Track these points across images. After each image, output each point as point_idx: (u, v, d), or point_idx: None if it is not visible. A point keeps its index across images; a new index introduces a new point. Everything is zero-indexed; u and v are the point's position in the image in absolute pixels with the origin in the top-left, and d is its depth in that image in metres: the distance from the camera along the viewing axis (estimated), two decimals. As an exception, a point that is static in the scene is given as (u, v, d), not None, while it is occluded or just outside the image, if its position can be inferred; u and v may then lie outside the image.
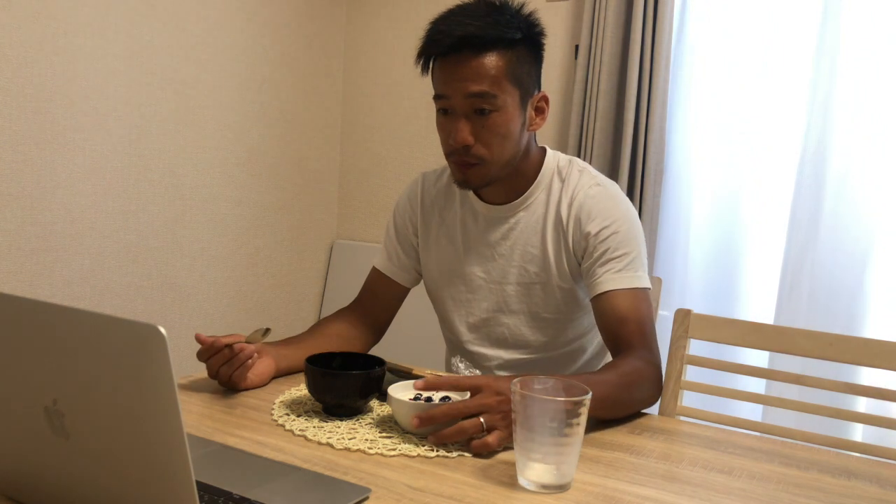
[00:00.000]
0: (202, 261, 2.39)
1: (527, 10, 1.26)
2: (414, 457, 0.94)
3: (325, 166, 2.83)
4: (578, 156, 2.01)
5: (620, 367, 1.19)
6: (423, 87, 2.69)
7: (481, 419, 0.94)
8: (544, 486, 0.86)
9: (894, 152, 1.94)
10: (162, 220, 2.25)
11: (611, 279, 1.24)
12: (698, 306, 1.62)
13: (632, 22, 2.16)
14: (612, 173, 2.22)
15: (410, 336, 2.54)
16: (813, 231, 2.02)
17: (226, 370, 1.14)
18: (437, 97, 1.25)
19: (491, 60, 1.20)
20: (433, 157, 2.69)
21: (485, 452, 0.95)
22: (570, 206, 1.30)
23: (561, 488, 0.86)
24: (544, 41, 1.29)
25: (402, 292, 1.47)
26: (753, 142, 2.13)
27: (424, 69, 1.27)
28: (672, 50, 2.17)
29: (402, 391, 1.02)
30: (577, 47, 2.32)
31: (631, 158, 2.19)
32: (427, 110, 2.69)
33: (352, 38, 2.84)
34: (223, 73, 2.38)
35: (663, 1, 2.12)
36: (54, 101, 1.94)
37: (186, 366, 2.42)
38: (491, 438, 0.94)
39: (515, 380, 0.89)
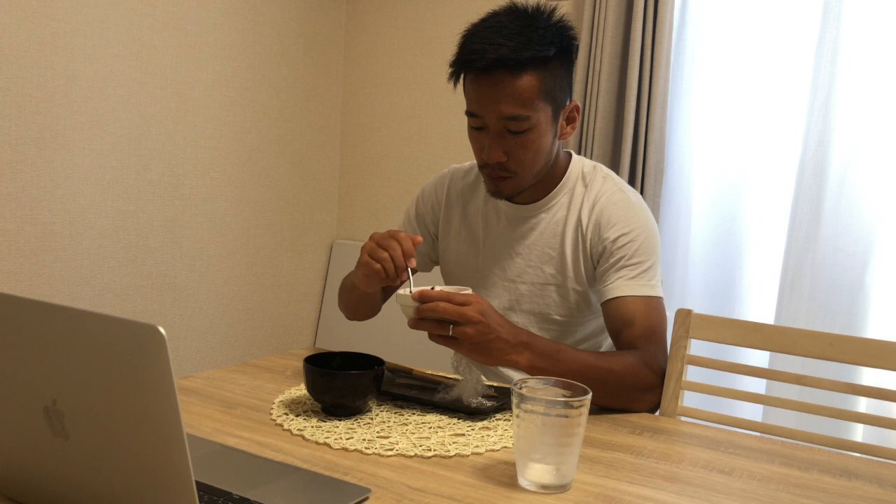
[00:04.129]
0: (202, 261, 2.39)
1: (558, 15, 1.24)
2: (411, 457, 0.94)
3: (325, 166, 2.83)
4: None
5: (608, 355, 1.20)
6: (422, 87, 2.69)
7: (451, 326, 1.05)
8: (544, 487, 0.86)
9: (894, 152, 1.94)
10: (162, 220, 2.25)
11: (623, 285, 1.25)
12: (698, 306, 1.62)
13: (632, 22, 2.16)
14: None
15: (411, 336, 2.54)
16: (813, 231, 2.02)
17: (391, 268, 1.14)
18: (469, 114, 1.25)
19: (524, 82, 1.19)
20: (433, 157, 2.69)
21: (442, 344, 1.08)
22: (591, 210, 1.31)
23: (561, 488, 0.86)
24: (577, 44, 1.28)
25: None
26: (754, 141, 2.13)
27: (455, 83, 1.26)
28: (672, 50, 2.17)
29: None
30: (577, 47, 2.32)
31: (631, 158, 2.19)
32: (427, 110, 2.69)
33: (352, 38, 2.84)
34: (223, 73, 2.38)
35: (663, 1, 2.12)
36: (54, 101, 1.94)
37: (186, 366, 2.42)
38: (452, 344, 1.07)
39: (517, 379, 0.89)
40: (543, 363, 1.12)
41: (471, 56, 1.20)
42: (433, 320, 1.07)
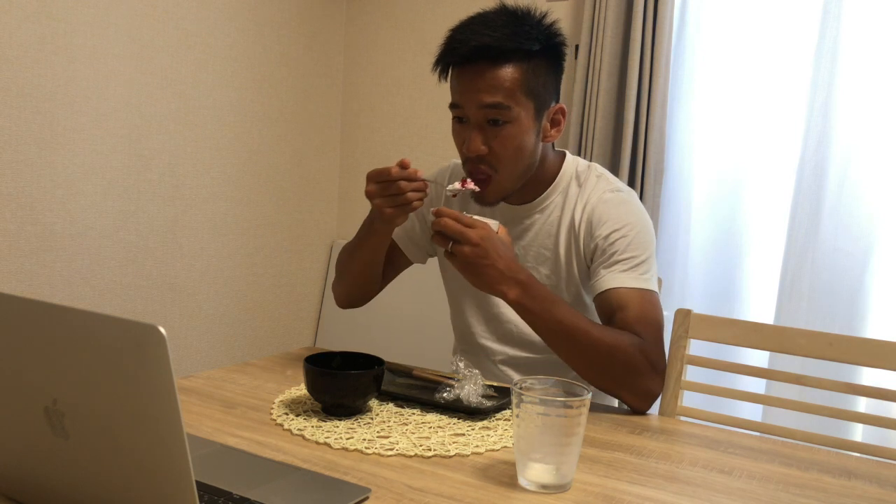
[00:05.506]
0: (202, 261, 2.39)
1: (549, 19, 1.26)
2: (411, 456, 0.94)
3: (325, 166, 2.83)
4: (578, 155, 2.01)
5: (605, 327, 1.20)
6: (422, 87, 2.69)
7: (450, 242, 1.12)
8: (544, 486, 0.86)
9: (894, 152, 1.94)
10: (162, 220, 2.25)
11: (614, 278, 1.24)
12: (698, 306, 1.62)
13: (632, 22, 2.16)
14: (612, 173, 2.22)
15: (411, 336, 2.54)
16: (813, 231, 2.02)
17: (412, 197, 1.19)
18: (452, 106, 1.26)
19: (506, 72, 1.20)
20: (433, 157, 2.69)
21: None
22: (584, 209, 1.31)
23: (561, 488, 0.86)
24: (566, 51, 1.29)
25: (403, 264, 1.48)
26: (753, 141, 2.13)
27: (441, 77, 1.27)
28: (672, 50, 2.17)
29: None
30: (577, 47, 2.32)
31: (631, 158, 2.19)
32: (427, 110, 2.69)
33: (352, 38, 2.84)
34: (223, 73, 2.38)
35: (663, 1, 2.12)
36: (54, 101, 1.94)
37: (186, 366, 2.42)
38: (451, 259, 1.14)
39: (517, 379, 0.89)
40: (533, 305, 1.15)
41: (455, 45, 1.22)
42: (440, 235, 1.13)
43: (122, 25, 2.07)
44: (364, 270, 1.40)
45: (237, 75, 2.43)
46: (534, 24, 1.23)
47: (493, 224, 1.16)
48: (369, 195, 1.20)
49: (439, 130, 2.67)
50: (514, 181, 1.28)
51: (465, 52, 1.21)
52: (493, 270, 1.13)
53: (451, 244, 1.13)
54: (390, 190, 1.18)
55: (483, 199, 1.29)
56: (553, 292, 1.20)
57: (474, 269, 1.13)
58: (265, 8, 2.50)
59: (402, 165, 1.18)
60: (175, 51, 2.22)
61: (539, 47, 1.22)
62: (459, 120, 1.26)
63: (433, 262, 1.53)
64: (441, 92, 2.67)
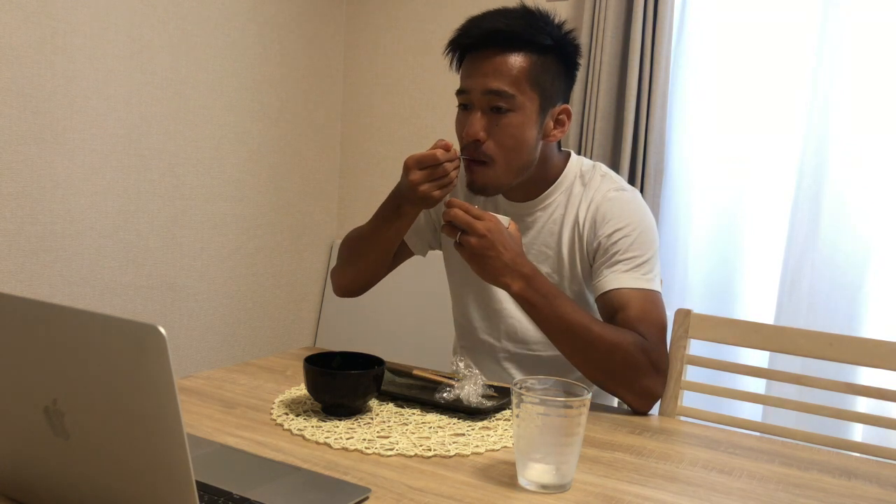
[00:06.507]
0: (202, 261, 2.39)
1: (567, 27, 1.28)
2: (411, 456, 0.94)
3: (325, 166, 2.83)
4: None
5: (607, 324, 1.20)
6: (423, 87, 2.69)
7: (459, 233, 1.15)
8: (544, 486, 0.86)
9: (894, 153, 1.94)
10: (161, 220, 2.25)
11: (616, 278, 1.24)
12: (698, 306, 1.62)
13: (632, 22, 2.16)
14: (612, 173, 2.22)
15: (411, 336, 2.54)
16: (813, 231, 2.02)
17: (454, 174, 1.21)
18: (458, 92, 1.27)
19: (515, 60, 1.22)
20: (433, 157, 2.68)
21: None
22: (588, 208, 1.31)
23: (561, 488, 0.86)
24: (579, 60, 1.30)
25: (405, 255, 1.49)
26: (753, 141, 2.13)
27: (454, 63, 1.29)
28: (672, 50, 2.17)
29: None
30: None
31: (631, 158, 2.19)
32: (427, 110, 2.69)
33: (352, 38, 2.84)
34: (223, 73, 2.38)
35: (663, 1, 2.12)
36: (54, 101, 1.94)
37: (186, 366, 2.42)
38: (459, 249, 1.17)
39: (517, 379, 0.89)
40: (536, 299, 1.16)
41: (468, 27, 1.24)
42: (450, 225, 1.16)
43: (122, 25, 2.07)
44: (379, 256, 1.40)
45: (237, 75, 2.42)
46: (549, 22, 1.25)
47: (505, 220, 1.18)
48: (415, 183, 1.21)
49: (440, 131, 2.67)
50: (511, 175, 1.27)
51: (477, 35, 1.23)
52: (498, 262, 1.14)
53: (459, 234, 1.15)
54: (437, 173, 1.20)
55: (473, 186, 1.28)
56: (557, 288, 1.20)
57: (480, 259, 1.15)
58: (265, 8, 2.50)
59: (445, 148, 1.20)
60: (175, 51, 2.22)
61: (551, 43, 1.23)
62: (464, 107, 1.27)
63: (434, 264, 1.53)
64: (442, 92, 2.68)
